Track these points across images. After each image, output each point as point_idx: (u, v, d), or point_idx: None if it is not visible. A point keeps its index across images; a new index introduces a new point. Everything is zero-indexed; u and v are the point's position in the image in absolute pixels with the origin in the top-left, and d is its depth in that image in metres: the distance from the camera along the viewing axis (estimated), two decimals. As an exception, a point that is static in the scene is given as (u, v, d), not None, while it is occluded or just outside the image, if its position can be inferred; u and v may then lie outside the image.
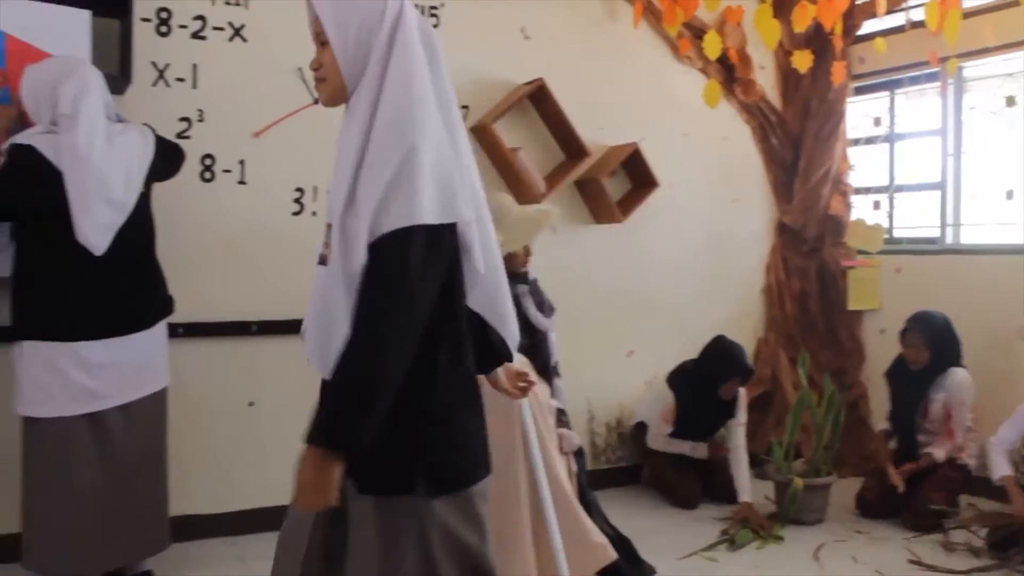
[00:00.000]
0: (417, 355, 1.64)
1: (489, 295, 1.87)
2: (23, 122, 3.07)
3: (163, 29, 3.74)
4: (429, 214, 1.62)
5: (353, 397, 1.59)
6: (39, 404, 2.96)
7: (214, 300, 3.82)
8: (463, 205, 1.70)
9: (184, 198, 3.69)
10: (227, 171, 3.85)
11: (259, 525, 3.86)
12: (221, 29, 3.83)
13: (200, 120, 3.79)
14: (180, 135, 3.72)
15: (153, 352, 3.13)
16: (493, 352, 1.99)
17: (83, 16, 3.30)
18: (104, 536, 3.01)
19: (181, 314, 3.34)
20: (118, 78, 3.46)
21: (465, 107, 4.31)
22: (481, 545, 1.77)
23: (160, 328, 3.16)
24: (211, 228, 3.82)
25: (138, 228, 3.07)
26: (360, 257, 1.62)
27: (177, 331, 3.46)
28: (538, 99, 4.42)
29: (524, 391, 2.17)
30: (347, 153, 1.69)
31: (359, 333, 1.60)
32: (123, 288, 3.03)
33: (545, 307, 3.40)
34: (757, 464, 4.69)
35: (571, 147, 4.53)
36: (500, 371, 2.13)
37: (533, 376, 3.15)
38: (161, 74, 3.73)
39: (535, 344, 3.32)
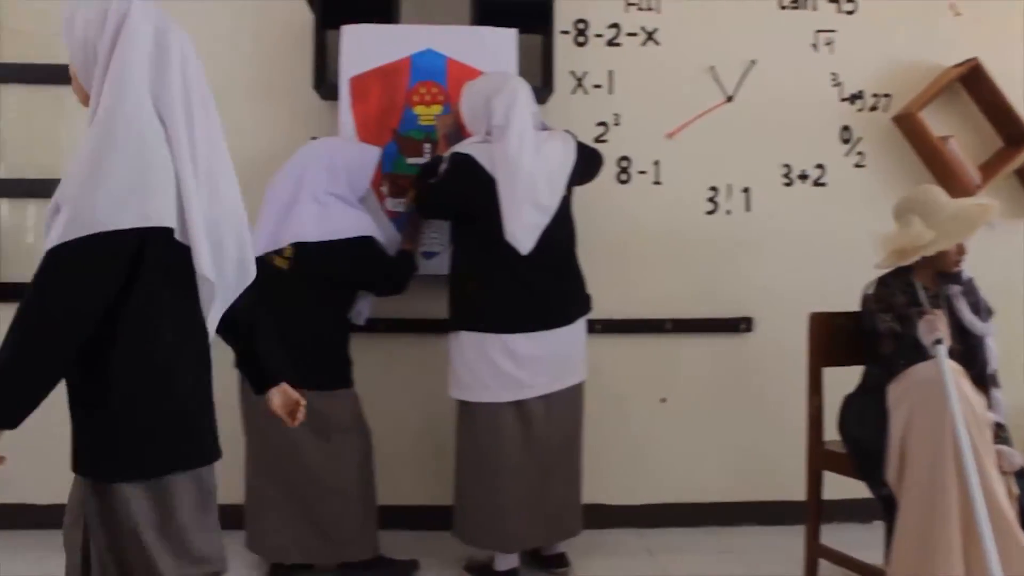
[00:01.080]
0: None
1: (227, 300, 1.82)
2: (460, 133, 3.39)
3: (580, 39, 3.93)
4: (104, 221, 1.59)
5: None
6: (472, 390, 3.20)
7: (630, 298, 3.93)
8: (162, 210, 1.64)
9: (603, 200, 3.84)
10: (642, 172, 3.95)
11: (667, 519, 3.92)
12: (634, 35, 3.95)
13: (616, 124, 3.93)
14: (598, 139, 3.88)
15: (573, 347, 3.25)
16: (260, 371, 1.98)
17: (510, 35, 3.57)
18: (524, 516, 3.19)
19: (599, 311, 3.47)
20: (541, 89, 3.68)
21: (887, 95, 4.05)
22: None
23: (579, 324, 3.28)
24: (628, 228, 3.94)
25: (560, 229, 3.21)
26: None
27: (595, 327, 3.59)
28: (971, 81, 4.02)
29: (294, 417, 2.03)
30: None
31: (13, 326, 1.61)
32: (546, 285, 3.18)
33: (981, 309, 3.07)
34: None
35: (1011, 132, 4.07)
36: (275, 392, 2.02)
37: (913, 385, 2.86)
38: (579, 82, 3.92)
39: (970, 349, 3.01)
